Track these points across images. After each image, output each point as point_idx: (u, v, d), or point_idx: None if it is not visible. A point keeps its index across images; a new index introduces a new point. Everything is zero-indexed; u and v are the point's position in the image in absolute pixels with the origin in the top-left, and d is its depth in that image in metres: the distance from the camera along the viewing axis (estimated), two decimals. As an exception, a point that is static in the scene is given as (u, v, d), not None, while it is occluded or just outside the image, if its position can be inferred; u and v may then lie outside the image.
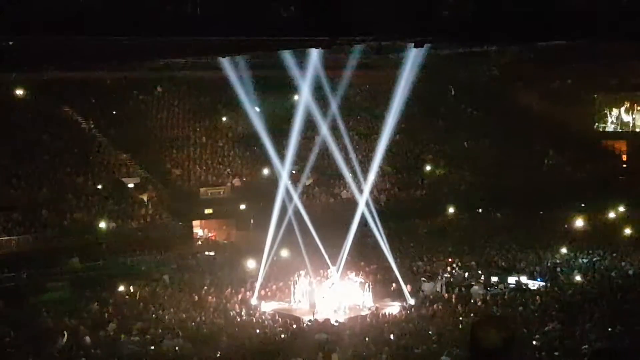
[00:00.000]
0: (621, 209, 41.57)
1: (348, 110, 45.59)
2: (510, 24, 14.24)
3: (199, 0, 15.23)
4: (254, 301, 28.20)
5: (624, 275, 30.12)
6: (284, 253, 32.45)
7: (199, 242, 38.84)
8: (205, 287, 28.96)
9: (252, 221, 37.46)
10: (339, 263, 29.55)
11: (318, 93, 38.30)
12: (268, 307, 27.90)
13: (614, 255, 33.46)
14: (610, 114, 53.34)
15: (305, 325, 25.22)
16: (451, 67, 48.01)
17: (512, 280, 30.04)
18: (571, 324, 22.42)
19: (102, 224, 34.52)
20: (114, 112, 43.91)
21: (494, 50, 42.27)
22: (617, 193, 42.73)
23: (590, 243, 35.83)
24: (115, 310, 25.89)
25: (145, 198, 38.19)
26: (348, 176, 38.37)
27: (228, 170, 42.56)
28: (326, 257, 29.83)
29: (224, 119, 46.10)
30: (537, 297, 26.72)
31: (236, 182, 41.72)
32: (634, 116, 52.60)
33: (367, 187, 35.36)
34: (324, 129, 37.86)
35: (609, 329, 21.29)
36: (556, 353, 18.88)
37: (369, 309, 27.39)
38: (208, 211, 39.30)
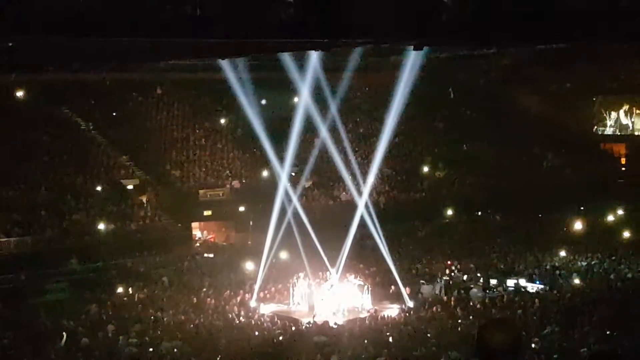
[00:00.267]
0: (620, 212, 41.57)
1: (347, 112, 45.64)
2: (510, 25, 14.24)
3: (198, 2, 15.23)
4: (252, 303, 28.16)
5: (622, 279, 30.12)
6: (283, 255, 32.44)
7: (198, 244, 38.80)
8: (204, 289, 28.94)
9: (251, 223, 37.44)
10: (338, 265, 29.54)
11: (317, 95, 38.31)
12: (267, 309, 27.87)
13: (613, 258, 33.47)
14: (609, 117, 53.37)
15: (304, 327, 25.17)
16: (450, 70, 48.06)
17: (511, 283, 30.06)
18: (570, 327, 22.41)
19: (101, 226, 34.49)
20: (114, 114, 43.92)
21: (493, 53, 42.31)
22: (615, 196, 42.73)
23: (589, 246, 35.83)
24: (114, 312, 25.85)
25: (144, 200, 38.18)
26: (347, 178, 38.37)
27: (227, 172, 42.57)
28: (325, 259, 29.81)
29: (223, 120, 46.10)
30: (536, 300, 26.70)
31: (235, 183, 41.71)
32: (633, 119, 52.63)
33: (367, 189, 35.36)
34: (324, 131, 37.87)
35: (608, 332, 21.28)
36: (555, 356, 18.86)
37: (368, 312, 27.37)
38: (207, 213, 39.29)
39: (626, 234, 37.64)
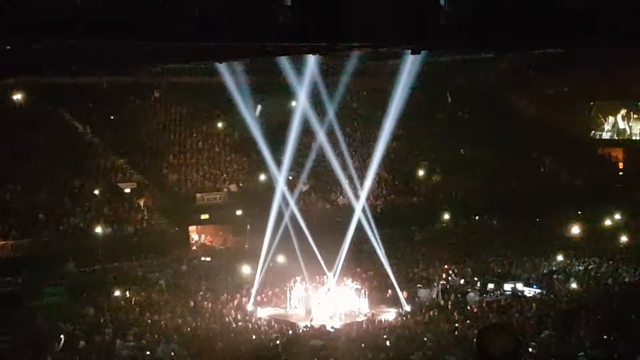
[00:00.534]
0: (617, 216, 41.67)
1: (345, 116, 45.67)
2: (510, 27, 14.26)
3: (196, 5, 15.24)
4: (249, 307, 28.16)
5: (620, 283, 30.16)
6: (280, 259, 32.45)
7: (195, 248, 38.78)
8: (201, 293, 28.93)
9: (248, 227, 37.43)
10: (335, 269, 29.57)
11: (315, 99, 38.36)
12: (264, 313, 27.86)
13: (610, 262, 33.50)
14: (606, 121, 53.50)
15: (301, 331, 25.18)
16: (448, 74, 48.15)
17: (508, 287, 30.08)
18: (567, 331, 22.42)
19: (99, 229, 34.46)
20: (112, 117, 43.92)
21: (491, 57, 42.40)
22: (613, 200, 42.84)
23: (586, 250, 35.88)
24: (111, 315, 25.83)
25: (141, 203, 38.16)
26: (345, 182, 38.39)
27: (224, 175, 42.56)
28: (322, 263, 29.83)
29: (220, 124, 46.11)
30: (533, 304, 26.73)
31: (233, 187, 41.71)
32: (630, 124, 52.76)
33: (364, 193, 35.40)
34: (321, 135, 37.92)
35: (605, 337, 21.28)
36: (552, 360, 18.90)
37: (365, 315, 27.38)
38: (204, 216, 39.28)
39: (623, 239, 37.73)
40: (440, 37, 15.36)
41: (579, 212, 41.86)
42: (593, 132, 53.79)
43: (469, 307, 27.26)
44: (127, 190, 38.84)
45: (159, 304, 27.48)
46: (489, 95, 52.36)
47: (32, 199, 35.13)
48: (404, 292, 28.90)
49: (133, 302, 27.79)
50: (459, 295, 29.09)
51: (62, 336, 22.27)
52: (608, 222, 41.36)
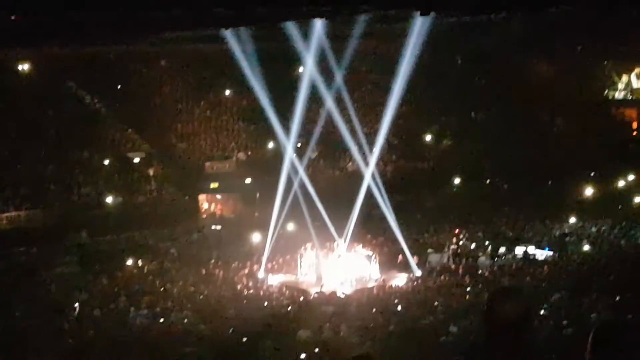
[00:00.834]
0: (631, 177, 41.25)
1: (353, 81, 45.26)
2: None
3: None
4: (260, 274, 28.26)
5: (633, 245, 29.98)
6: (290, 226, 32.44)
7: (205, 217, 38.85)
8: (212, 261, 29.06)
9: (258, 195, 37.41)
10: (345, 236, 29.55)
11: (322, 65, 37.98)
12: (275, 280, 27.95)
13: (623, 224, 33.25)
14: (620, 80, 52.76)
15: (312, 297, 25.26)
16: (457, 36, 47.49)
17: (519, 250, 29.95)
18: (579, 293, 22.34)
19: (109, 199, 34.57)
20: (118, 87, 43.74)
21: (501, 18, 41.76)
22: (626, 161, 42.38)
23: (599, 212, 35.60)
24: (124, 284, 26.01)
25: (151, 173, 38.19)
26: (354, 148, 38.17)
27: (233, 144, 42.46)
28: (332, 230, 29.81)
29: (227, 92, 45.87)
30: (545, 267, 26.65)
31: (241, 156, 41.63)
32: (644, 83, 51.98)
33: (373, 159, 35.20)
34: (329, 101, 37.61)
35: (617, 299, 21.20)
36: (564, 322, 18.82)
37: (376, 281, 27.43)
38: (214, 185, 39.29)
39: (637, 200, 37.39)
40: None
41: (592, 174, 41.46)
42: (606, 92, 53.06)
43: (480, 272, 27.21)
44: (136, 160, 38.86)
45: (171, 273, 27.66)
46: (500, 57, 51.68)
47: (43, 171, 35.24)
48: (415, 257, 28.90)
49: (145, 271, 27.97)
50: (470, 260, 29.03)
51: (76, 305, 22.49)
52: (621, 183, 40.98)
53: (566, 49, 51.73)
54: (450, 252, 29.78)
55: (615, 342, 3.28)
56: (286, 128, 35.54)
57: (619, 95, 52.88)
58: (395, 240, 29.95)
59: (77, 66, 42.18)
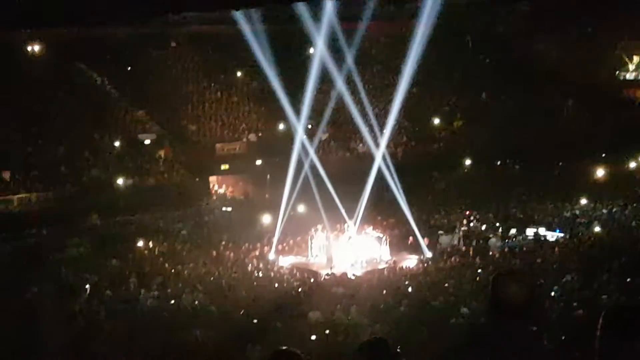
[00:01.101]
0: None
1: (364, 63, 45.05)
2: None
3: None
4: (271, 256, 28.34)
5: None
6: (301, 208, 32.47)
7: (216, 198, 38.95)
8: (223, 243, 29.13)
9: (268, 176, 37.44)
10: (355, 217, 29.55)
11: (333, 46, 37.80)
12: (286, 262, 28.03)
13: (634, 205, 33.10)
14: (631, 61, 52.26)
15: (322, 279, 25.32)
16: (468, 18, 47.14)
17: (530, 232, 29.88)
18: (590, 275, 22.30)
19: (120, 181, 34.69)
20: (129, 68, 43.73)
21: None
22: (637, 142, 42.08)
23: (610, 194, 35.44)
24: (135, 266, 26.13)
25: (161, 154, 38.27)
26: (364, 130, 38.08)
27: (243, 125, 42.44)
28: (343, 211, 29.81)
29: (238, 73, 45.78)
30: (556, 249, 26.59)
31: (252, 137, 41.63)
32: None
33: (384, 140, 35.10)
34: (340, 83, 37.46)
35: (628, 280, 21.15)
36: (574, 304, 18.82)
37: (386, 263, 27.45)
38: (224, 167, 39.36)
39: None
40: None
41: (603, 155, 41.22)
42: (617, 72, 52.58)
43: (490, 253, 27.19)
44: (147, 142, 38.93)
45: (181, 255, 27.75)
46: (511, 39, 51.28)
47: (53, 152, 35.38)
48: (425, 239, 28.89)
49: (156, 253, 28.08)
50: (481, 241, 29.00)
51: (87, 286, 22.62)
52: (633, 165, 40.74)
53: (577, 29, 51.27)
54: (461, 233, 29.75)
55: (626, 324, 3.27)
56: (297, 109, 35.46)
57: (630, 76, 52.39)
58: (405, 222, 29.94)
59: (88, 47, 42.17)
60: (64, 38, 39.80)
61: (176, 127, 41.21)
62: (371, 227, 29.55)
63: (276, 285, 24.06)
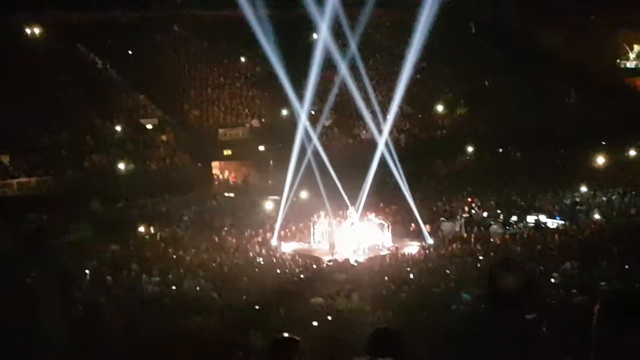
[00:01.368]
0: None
1: (367, 49, 44.91)
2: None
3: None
4: (273, 242, 28.37)
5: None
6: (303, 194, 32.48)
7: (218, 184, 38.95)
8: (225, 229, 29.15)
9: (271, 162, 37.43)
10: (358, 204, 29.57)
11: (337, 31, 37.65)
12: (288, 248, 28.07)
13: (634, 193, 33.16)
14: (632, 50, 52.10)
15: (325, 265, 25.38)
16: (471, 4, 46.97)
17: (531, 219, 29.94)
18: (589, 262, 22.34)
19: (121, 166, 34.66)
20: (131, 53, 43.61)
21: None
22: (638, 130, 42.05)
23: (610, 181, 35.51)
24: (136, 252, 26.14)
25: (164, 139, 38.25)
26: (367, 116, 38.01)
27: (247, 111, 42.39)
28: (345, 198, 29.83)
29: (242, 59, 45.65)
30: (556, 236, 26.63)
31: (255, 123, 41.58)
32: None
33: (387, 127, 35.05)
34: (343, 69, 37.35)
35: (627, 267, 21.19)
36: (574, 290, 18.86)
37: (388, 249, 27.50)
38: (227, 152, 39.34)
39: (648, 169, 37.22)
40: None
41: (603, 143, 41.21)
42: (618, 61, 52.45)
43: (492, 240, 27.24)
44: (149, 127, 38.90)
45: (183, 240, 27.74)
46: (513, 26, 51.09)
47: (54, 137, 35.32)
48: (427, 226, 28.92)
49: (158, 239, 28.10)
50: (482, 228, 29.05)
51: (87, 272, 22.59)
52: (632, 153, 40.73)
53: (579, 17, 51.08)
54: (463, 220, 29.79)
55: (623, 310, 3.28)
56: (300, 95, 35.39)
57: (630, 64, 52.26)
58: (408, 209, 29.96)
59: (90, 31, 42.07)
60: (65, 21, 39.76)
61: (178, 112, 41.19)
62: (374, 214, 29.57)
63: (278, 271, 24.11)
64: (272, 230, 29.09)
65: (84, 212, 30.77)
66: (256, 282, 21.97)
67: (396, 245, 27.81)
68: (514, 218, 30.31)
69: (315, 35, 41.28)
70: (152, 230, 29.02)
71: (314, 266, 25.02)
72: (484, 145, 41.88)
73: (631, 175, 36.58)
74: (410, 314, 17.15)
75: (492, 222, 29.70)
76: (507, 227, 29.26)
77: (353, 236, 28.27)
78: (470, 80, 47.40)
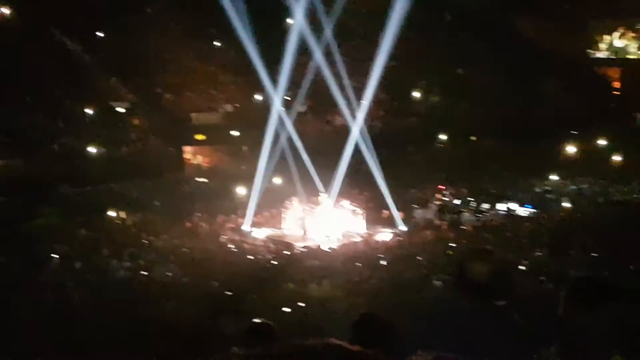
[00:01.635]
0: (611, 136, 41.42)
1: (342, 35, 44.74)
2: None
3: None
4: (246, 228, 28.27)
5: (610, 202, 30.34)
6: (277, 180, 32.39)
7: (191, 169, 38.68)
8: (198, 214, 28.96)
9: (244, 148, 37.23)
10: (331, 190, 29.57)
11: (312, 17, 37.46)
12: (260, 234, 28.00)
13: (602, 181, 33.63)
14: (602, 40, 52.57)
15: (297, 251, 25.35)
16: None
17: (502, 207, 30.20)
18: (559, 249, 22.62)
19: (92, 149, 34.21)
20: (103, 35, 42.97)
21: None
22: (608, 120, 42.56)
23: (579, 170, 35.95)
24: (107, 236, 25.85)
25: (135, 123, 37.84)
26: (342, 103, 37.90)
27: (220, 95, 42.07)
28: (319, 184, 29.80)
29: (215, 43, 45.25)
30: (526, 224, 26.90)
31: (228, 108, 41.30)
32: (627, 42, 51.80)
33: (361, 114, 35.02)
34: (318, 55, 37.19)
35: (595, 255, 21.48)
36: (542, 278, 19.09)
37: (361, 236, 27.55)
38: (200, 137, 39.03)
39: (617, 158, 37.67)
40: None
41: (574, 132, 41.62)
42: (589, 51, 52.91)
43: (463, 227, 27.44)
44: (121, 110, 38.42)
45: (154, 225, 27.51)
46: (488, 15, 51.28)
47: (24, 119, 34.70)
48: (400, 213, 29.03)
49: (128, 223, 27.83)
50: (454, 216, 29.24)
51: (57, 257, 22.31)
52: (602, 142, 41.20)
53: (552, 6, 51.44)
54: (436, 207, 29.95)
55: (588, 297, 3.32)
56: (274, 81, 35.17)
57: (601, 54, 52.75)
58: (381, 196, 30.02)
59: (61, 11, 41.27)
60: (36, 2, 38.97)
61: (151, 96, 40.70)
62: (347, 200, 29.59)
63: (250, 257, 24.04)
64: (244, 215, 28.97)
65: (53, 196, 30.28)
66: (228, 268, 21.89)
67: (369, 231, 27.89)
68: (486, 206, 30.52)
69: (290, 20, 41.01)
70: (122, 215, 28.69)
71: (286, 252, 24.98)
72: (457, 133, 42.06)
73: (600, 164, 37.03)
74: (383, 300, 17.22)
75: (463, 210, 29.90)
76: (479, 215, 29.48)
77: (326, 222, 28.28)
78: (445, 68, 47.49)
